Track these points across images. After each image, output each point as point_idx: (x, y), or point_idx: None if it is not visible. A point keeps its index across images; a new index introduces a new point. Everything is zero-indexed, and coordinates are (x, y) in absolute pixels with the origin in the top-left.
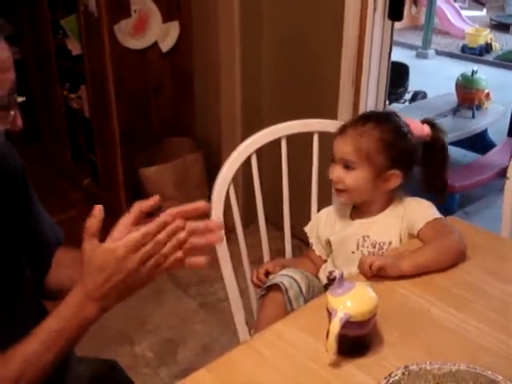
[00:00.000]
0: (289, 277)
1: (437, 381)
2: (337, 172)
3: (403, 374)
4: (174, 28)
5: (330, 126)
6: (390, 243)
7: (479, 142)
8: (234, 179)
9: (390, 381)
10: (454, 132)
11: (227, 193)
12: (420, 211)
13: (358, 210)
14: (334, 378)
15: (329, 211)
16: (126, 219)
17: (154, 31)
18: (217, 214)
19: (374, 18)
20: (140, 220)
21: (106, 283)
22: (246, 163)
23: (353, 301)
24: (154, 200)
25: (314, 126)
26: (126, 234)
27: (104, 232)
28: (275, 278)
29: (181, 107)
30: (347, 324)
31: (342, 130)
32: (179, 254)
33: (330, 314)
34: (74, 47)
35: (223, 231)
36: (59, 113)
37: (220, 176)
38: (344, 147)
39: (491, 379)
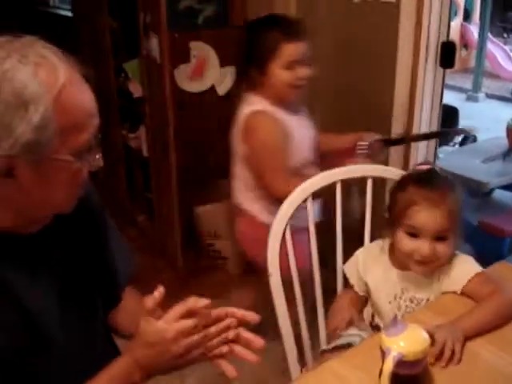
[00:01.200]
0: (359, 336)
1: None
2: (430, 248)
3: None
4: (230, 73)
5: (382, 172)
6: (428, 299)
7: None
8: None
9: None
10: (504, 176)
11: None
12: (460, 268)
13: (398, 259)
14: None
15: (367, 252)
16: (179, 310)
17: (211, 75)
18: (273, 254)
19: (425, 66)
20: (191, 315)
21: (154, 358)
22: None
23: (406, 341)
24: (205, 303)
25: (368, 171)
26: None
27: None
28: (345, 338)
29: None
30: (400, 363)
31: (426, 202)
32: (224, 349)
33: (383, 354)
34: (136, 89)
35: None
36: (118, 151)
37: (278, 217)
38: (437, 219)
39: None
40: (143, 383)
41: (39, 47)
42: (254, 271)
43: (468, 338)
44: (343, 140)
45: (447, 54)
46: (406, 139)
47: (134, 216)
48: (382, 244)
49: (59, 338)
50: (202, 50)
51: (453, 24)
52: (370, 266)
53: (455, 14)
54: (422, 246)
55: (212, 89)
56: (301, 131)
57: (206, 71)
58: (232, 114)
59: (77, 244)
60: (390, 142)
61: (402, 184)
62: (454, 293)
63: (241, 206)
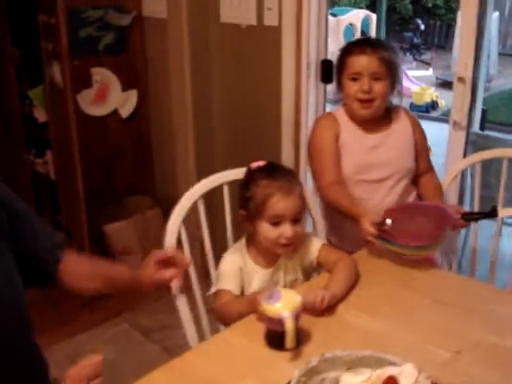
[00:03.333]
0: None
1: (348, 366)
2: (292, 230)
3: (319, 361)
4: (132, 96)
5: None
6: (297, 279)
7: None
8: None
9: (308, 367)
10: None
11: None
12: (310, 243)
13: (261, 252)
14: (268, 370)
15: (238, 262)
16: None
17: (114, 99)
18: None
19: (308, 82)
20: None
21: None
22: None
23: (287, 302)
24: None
25: None
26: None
27: None
28: None
29: (140, 168)
30: (277, 321)
31: (281, 192)
32: None
33: (269, 320)
34: (40, 115)
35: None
36: (25, 177)
37: (171, 219)
38: (293, 205)
39: (390, 361)
40: None
41: None
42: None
43: (336, 299)
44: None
45: (326, 71)
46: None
47: None
48: (240, 247)
49: None
50: (103, 76)
51: None
52: (250, 276)
53: (353, 36)
54: (285, 230)
55: (115, 112)
56: (365, 150)
57: (109, 95)
58: (136, 134)
59: None
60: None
61: (252, 180)
62: (311, 264)
63: None
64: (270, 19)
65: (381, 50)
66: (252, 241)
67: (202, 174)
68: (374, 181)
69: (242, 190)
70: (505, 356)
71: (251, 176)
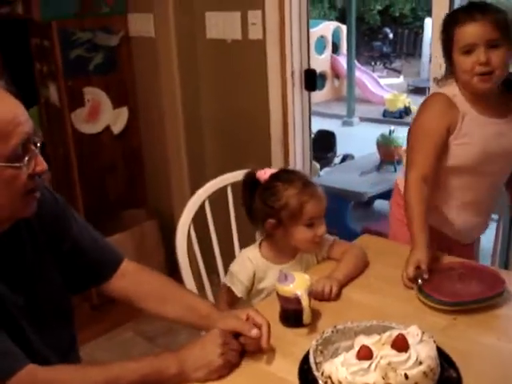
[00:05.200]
0: None
1: (357, 334)
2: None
3: (332, 331)
4: (123, 113)
5: None
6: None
7: None
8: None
9: (323, 337)
10: (379, 185)
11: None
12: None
13: (282, 255)
14: (287, 345)
15: (255, 262)
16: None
17: (105, 117)
18: (182, 258)
19: (293, 90)
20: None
21: (194, 349)
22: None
23: (299, 282)
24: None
25: None
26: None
27: None
28: None
29: (133, 182)
30: (293, 300)
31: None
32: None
33: (284, 299)
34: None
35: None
36: None
37: (180, 222)
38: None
39: (395, 328)
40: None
41: None
42: None
43: (341, 285)
44: None
45: (310, 80)
46: None
47: None
48: (253, 249)
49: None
50: (95, 94)
51: (323, 57)
52: (262, 274)
53: (324, 48)
54: (319, 229)
55: (107, 129)
56: (489, 137)
57: (101, 113)
58: (127, 149)
59: (40, 242)
60: None
61: (279, 191)
62: (323, 258)
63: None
64: (254, 33)
65: (492, 13)
66: (270, 241)
67: (195, 185)
68: (489, 173)
69: (267, 201)
70: (499, 321)
71: (274, 186)
